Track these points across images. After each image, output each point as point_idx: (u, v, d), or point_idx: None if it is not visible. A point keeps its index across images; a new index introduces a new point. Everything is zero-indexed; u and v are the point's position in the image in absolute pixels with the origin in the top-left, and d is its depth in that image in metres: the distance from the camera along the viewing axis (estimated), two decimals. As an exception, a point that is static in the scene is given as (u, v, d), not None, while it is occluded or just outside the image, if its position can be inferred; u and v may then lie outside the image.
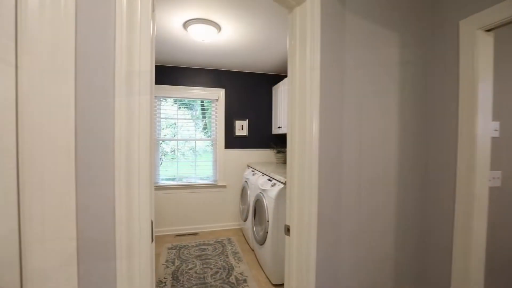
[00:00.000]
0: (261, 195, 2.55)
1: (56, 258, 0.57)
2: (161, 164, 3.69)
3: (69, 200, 0.58)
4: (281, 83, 3.53)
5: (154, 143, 0.80)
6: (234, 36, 2.54)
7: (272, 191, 2.33)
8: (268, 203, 2.38)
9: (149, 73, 0.69)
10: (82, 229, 0.61)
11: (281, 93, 3.53)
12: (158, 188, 3.49)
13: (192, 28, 2.28)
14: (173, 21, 2.23)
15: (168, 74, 3.50)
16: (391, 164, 1.36)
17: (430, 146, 1.42)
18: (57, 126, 0.57)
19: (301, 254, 1.22)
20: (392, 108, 1.36)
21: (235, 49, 2.91)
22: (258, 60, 3.33)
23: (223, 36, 2.54)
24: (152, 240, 0.80)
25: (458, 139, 1.28)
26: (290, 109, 1.27)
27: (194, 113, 3.78)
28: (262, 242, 2.44)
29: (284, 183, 2.27)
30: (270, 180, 2.56)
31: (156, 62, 3.35)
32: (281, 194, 2.26)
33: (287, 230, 1.28)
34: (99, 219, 0.61)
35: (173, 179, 3.65)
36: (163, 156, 3.71)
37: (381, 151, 1.33)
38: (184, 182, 3.68)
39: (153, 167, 0.74)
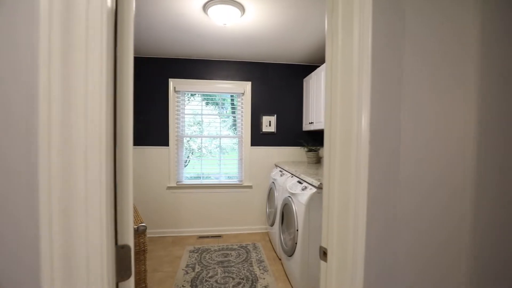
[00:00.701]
0: (290, 199, 2.24)
1: None
2: (188, 162, 3.56)
3: None
4: (313, 73, 3.16)
5: (129, 133, 0.55)
6: (259, 19, 2.25)
7: (302, 196, 2.01)
8: (298, 209, 2.06)
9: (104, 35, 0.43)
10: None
11: (313, 85, 3.16)
12: (182, 187, 3.35)
13: (213, 10, 2.03)
14: (192, 3, 2.01)
15: (191, 67, 3.33)
16: (464, 163, 0.97)
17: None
18: None
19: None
20: (469, 97, 0.96)
21: (260, 35, 2.61)
22: (287, 48, 3.00)
23: (247, 20, 2.27)
24: (126, 277, 0.55)
25: None
26: (329, 100, 0.95)
27: (223, 111, 3.59)
28: (290, 253, 2.13)
29: (317, 187, 1.93)
30: (300, 183, 2.24)
31: (178, 55, 3.20)
32: (314, 200, 1.93)
33: (323, 254, 0.96)
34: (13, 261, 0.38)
35: (199, 178, 3.50)
36: (190, 154, 3.59)
37: (451, 147, 0.95)
38: (208, 181, 3.50)
39: (120, 168, 0.48)
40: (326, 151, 0.96)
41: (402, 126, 0.92)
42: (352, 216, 0.88)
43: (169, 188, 3.31)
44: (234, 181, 3.51)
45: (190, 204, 3.35)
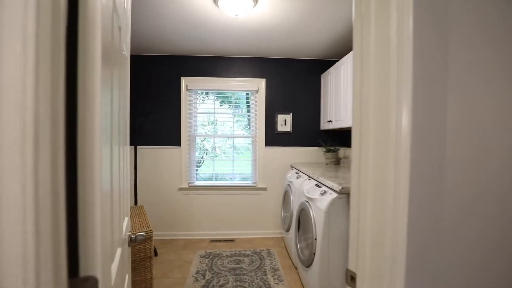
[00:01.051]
0: (307, 204, 2.05)
1: None
2: (202, 162, 3.47)
3: None
4: (331, 68, 2.94)
5: (95, 130, 0.41)
6: (272, 10, 2.08)
7: (321, 202, 1.82)
8: (316, 216, 1.87)
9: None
10: None
11: (331, 81, 2.95)
12: (194, 188, 3.24)
13: (224, 0, 1.89)
14: (201, -6, 1.88)
15: (203, 65, 3.22)
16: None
17: None
18: None
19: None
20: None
21: (273, 27, 2.44)
22: (302, 42, 2.80)
23: (259, 11, 2.10)
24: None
25: None
26: (358, 95, 0.78)
27: (239, 110, 3.46)
28: (307, 264, 1.94)
29: (338, 192, 1.73)
30: (318, 186, 2.05)
31: (190, 52, 3.09)
32: (334, 206, 1.73)
33: (351, 279, 0.78)
34: None
35: (211, 179, 3.39)
36: (204, 155, 3.49)
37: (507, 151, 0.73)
38: (221, 183, 3.38)
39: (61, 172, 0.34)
40: (355, 153, 0.78)
41: (447, 126, 0.72)
42: (391, 232, 0.69)
43: (180, 189, 3.22)
44: (248, 182, 3.35)
45: (202, 206, 3.24)
